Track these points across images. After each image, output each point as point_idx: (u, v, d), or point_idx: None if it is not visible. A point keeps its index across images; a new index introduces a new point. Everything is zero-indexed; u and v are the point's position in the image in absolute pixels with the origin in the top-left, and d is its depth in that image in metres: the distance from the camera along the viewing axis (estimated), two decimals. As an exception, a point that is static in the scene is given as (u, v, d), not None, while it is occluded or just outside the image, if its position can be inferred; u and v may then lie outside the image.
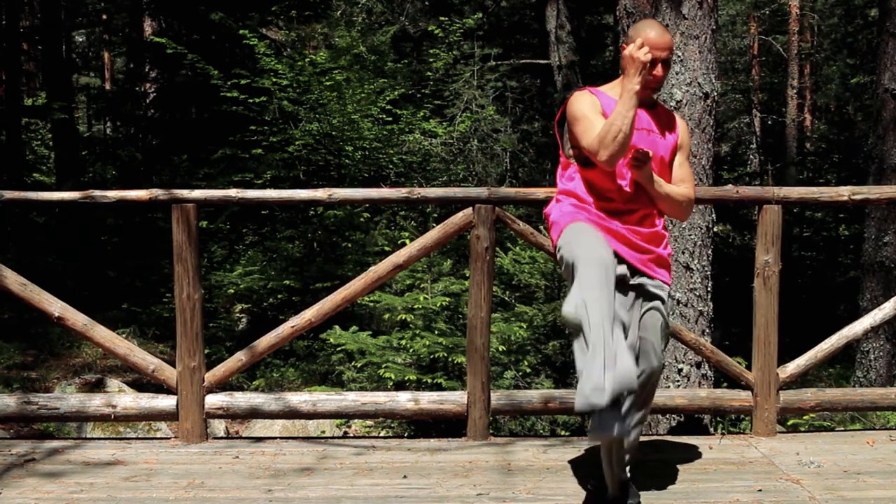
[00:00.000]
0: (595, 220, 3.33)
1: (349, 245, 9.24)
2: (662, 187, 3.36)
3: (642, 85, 3.19)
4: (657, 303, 3.36)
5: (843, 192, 4.58)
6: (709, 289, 5.49)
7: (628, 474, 3.42)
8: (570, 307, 3.00)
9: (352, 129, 9.80)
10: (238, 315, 9.84)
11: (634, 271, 3.35)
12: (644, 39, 3.23)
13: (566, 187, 3.45)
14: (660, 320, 3.35)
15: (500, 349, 6.43)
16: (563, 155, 3.48)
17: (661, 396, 4.56)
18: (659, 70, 3.29)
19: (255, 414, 4.64)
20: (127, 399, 4.57)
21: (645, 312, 3.35)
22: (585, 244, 3.17)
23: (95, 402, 4.56)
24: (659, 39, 3.26)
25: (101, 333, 4.52)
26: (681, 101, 5.29)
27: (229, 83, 9.99)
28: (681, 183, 3.47)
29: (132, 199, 4.48)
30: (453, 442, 4.51)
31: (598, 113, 3.31)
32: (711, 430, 5.64)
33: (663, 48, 3.27)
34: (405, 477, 3.91)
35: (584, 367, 2.94)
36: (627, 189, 3.35)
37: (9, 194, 4.51)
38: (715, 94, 5.41)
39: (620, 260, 3.30)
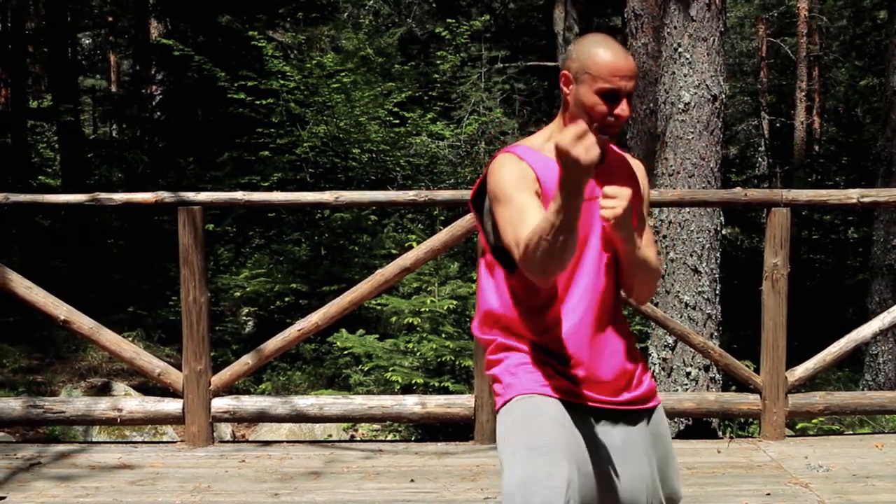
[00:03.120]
0: (551, 386, 2.17)
1: (356, 248, 9.24)
2: (643, 251, 2.22)
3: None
4: (658, 414, 2.35)
5: (852, 195, 4.56)
6: (717, 292, 5.47)
7: None
8: None
9: (359, 132, 9.79)
10: (244, 318, 9.84)
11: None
12: (598, 66, 2.11)
13: (490, 305, 2.29)
14: (667, 438, 2.36)
15: (508, 352, 6.39)
16: (484, 242, 2.31)
17: (670, 400, 4.54)
18: (625, 108, 2.13)
19: (261, 417, 4.64)
20: (133, 403, 4.57)
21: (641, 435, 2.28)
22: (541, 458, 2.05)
23: (101, 406, 4.56)
24: (623, 64, 2.12)
25: (107, 337, 4.52)
26: (689, 103, 5.27)
27: (236, 85, 9.99)
28: (645, 249, 2.26)
29: (138, 201, 4.49)
30: (461, 445, 4.49)
31: (529, 192, 2.15)
32: (720, 433, 5.62)
33: (630, 76, 2.13)
34: (412, 481, 3.90)
35: None
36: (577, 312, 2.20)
37: (14, 197, 4.52)
38: (723, 96, 5.40)
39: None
